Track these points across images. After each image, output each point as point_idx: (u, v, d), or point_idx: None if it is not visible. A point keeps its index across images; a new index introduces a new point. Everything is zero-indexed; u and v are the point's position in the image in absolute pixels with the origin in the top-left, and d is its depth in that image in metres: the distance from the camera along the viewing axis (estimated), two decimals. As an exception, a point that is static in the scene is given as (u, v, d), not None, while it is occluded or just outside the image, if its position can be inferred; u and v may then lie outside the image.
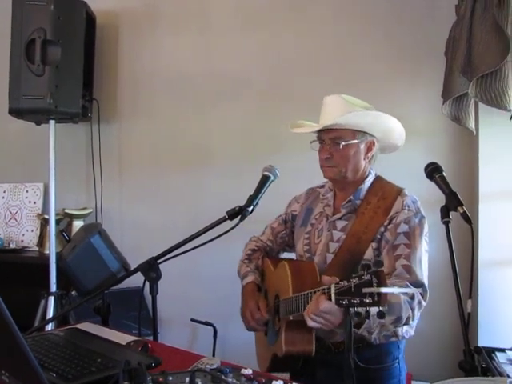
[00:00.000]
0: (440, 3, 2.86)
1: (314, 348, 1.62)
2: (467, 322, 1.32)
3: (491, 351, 2.43)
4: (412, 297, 1.57)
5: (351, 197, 1.77)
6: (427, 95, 2.90)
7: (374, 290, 1.20)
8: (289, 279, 1.67)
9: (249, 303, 1.84)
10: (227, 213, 1.70)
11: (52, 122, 2.92)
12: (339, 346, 1.70)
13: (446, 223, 1.43)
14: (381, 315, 1.23)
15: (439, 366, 2.77)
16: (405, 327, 1.71)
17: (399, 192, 1.75)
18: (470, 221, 1.39)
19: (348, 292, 1.26)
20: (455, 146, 2.91)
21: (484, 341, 2.60)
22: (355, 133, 1.72)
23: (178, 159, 3.28)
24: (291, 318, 1.62)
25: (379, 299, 1.20)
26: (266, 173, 1.81)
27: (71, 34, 2.84)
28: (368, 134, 1.75)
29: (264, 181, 1.78)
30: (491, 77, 2.20)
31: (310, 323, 1.43)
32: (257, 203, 1.74)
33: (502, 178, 2.70)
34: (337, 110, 1.71)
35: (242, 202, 1.73)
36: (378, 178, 1.83)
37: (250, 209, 1.71)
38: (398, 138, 1.83)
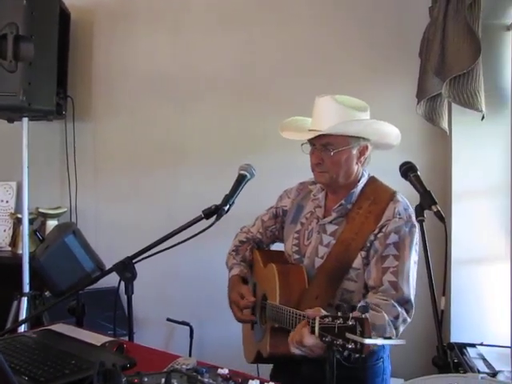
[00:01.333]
0: (414, 5, 2.91)
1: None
2: (441, 319, 1.34)
3: (463, 347, 2.48)
4: (397, 316, 1.55)
5: (342, 201, 1.73)
6: (402, 95, 2.94)
7: (357, 338, 1.18)
8: (276, 286, 1.65)
9: (231, 295, 1.82)
10: (203, 212, 1.70)
11: (25, 119, 2.87)
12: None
13: (421, 222, 1.44)
14: (363, 360, 1.23)
15: (413, 362, 2.81)
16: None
17: (391, 197, 1.70)
18: (444, 219, 1.41)
19: (331, 330, 1.24)
20: (429, 146, 2.96)
21: (456, 337, 2.65)
22: (348, 139, 1.66)
23: (153, 158, 3.26)
24: (276, 326, 1.63)
25: (361, 348, 1.18)
26: (243, 172, 1.80)
27: (44, 30, 2.78)
28: (362, 138, 1.70)
29: (240, 180, 1.77)
30: (464, 78, 2.24)
31: (294, 351, 1.42)
32: (233, 202, 1.74)
33: (474, 177, 2.76)
34: (329, 115, 1.66)
35: (218, 201, 1.73)
36: (371, 180, 1.79)
37: (226, 208, 1.70)
38: (393, 140, 1.79)
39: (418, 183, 1.52)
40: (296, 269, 1.74)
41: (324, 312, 1.36)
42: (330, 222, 1.75)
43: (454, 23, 2.28)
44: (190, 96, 3.20)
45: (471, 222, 2.74)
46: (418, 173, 1.54)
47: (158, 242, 1.68)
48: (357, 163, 1.73)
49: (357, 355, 1.19)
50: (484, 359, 2.35)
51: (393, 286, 1.59)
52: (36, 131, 3.08)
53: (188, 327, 3.01)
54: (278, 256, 1.92)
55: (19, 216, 3.08)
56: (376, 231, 1.65)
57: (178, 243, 1.64)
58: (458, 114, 2.72)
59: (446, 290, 1.45)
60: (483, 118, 2.34)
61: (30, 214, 2.95)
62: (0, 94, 2.67)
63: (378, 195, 1.72)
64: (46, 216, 3.23)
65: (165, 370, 1.26)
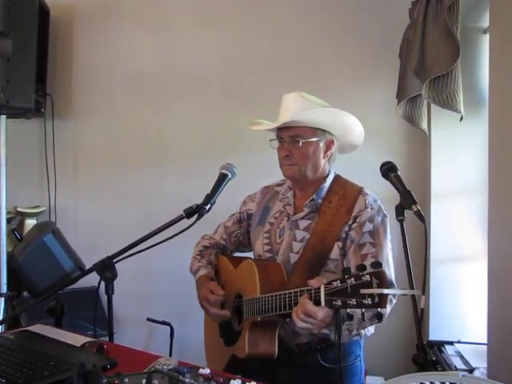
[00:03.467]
0: (395, 6, 2.94)
1: (276, 350, 1.61)
2: (420, 318, 1.36)
3: (441, 344, 2.52)
4: None
5: (314, 196, 1.75)
6: (383, 95, 2.97)
7: (375, 291, 1.17)
8: (256, 279, 1.64)
9: (201, 292, 1.79)
10: (184, 211, 1.69)
11: (3, 117, 2.82)
12: (303, 348, 1.71)
13: (401, 221, 1.46)
14: (379, 317, 1.21)
15: (393, 360, 2.84)
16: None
17: (360, 191, 1.75)
18: (424, 219, 1.43)
19: (342, 293, 1.23)
20: (409, 146, 2.99)
21: (434, 335, 2.70)
22: (315, 131, 1.71)
23: (134, 157, 3.24)
24: (259, 319, 1.60)
25: (380, 301, 1.18)
26: (224, 171, 1.79)
27: (23, 26, 2.74)
28: (327, 132, 1.74)
29: (221, 179, 1.77)
30: (443, 79, 2.27)
31: (300, 324, 1.40)
32: (214, 201, 1.73)
33: (452, 176, 2.80)
34: (296, 108, 1.69)
35: (200, 201, 1.72)
36: (337, 177, 1.82)
37: (207, 207, 1.70)
38: (358, 137, 1.82)
39: (398, 183, 1.53)
40: (273, 264, 1.75)
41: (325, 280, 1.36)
42: (303, 218, 1.77)
43: (434, 25, 2.32)
44: (171, 95, 3.19)
45: (449, 222, 2.78)
46: (399, 173, 1.56)
47: (139, 242, 1.67)
48: (324, 157, 1.76)
49: (377, 310, 1.19)
50: (461, 356, 2.40)
51: None
52: (14, 129, 3.04)
53: (168, 327, 3.00)
54: (245, 258, 1.89)
55: (-4, 215, 3.03)
56: (350, 222, 1.69)
57: (160, 242, 1.63)
58: (437, 115, 2.76)
59: (425, 288, 1.47)
60: (462, 118, 2.37)
61: (8, 213, 2.90)
62: (-23, 91, 2.62)
63: (346, 190, 1.77)
64: (24, 215, 3.18)
65: (146, 370, 1.26)
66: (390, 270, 1.66)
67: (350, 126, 1.76)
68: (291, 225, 1.78)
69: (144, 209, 3.17)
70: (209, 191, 1.76)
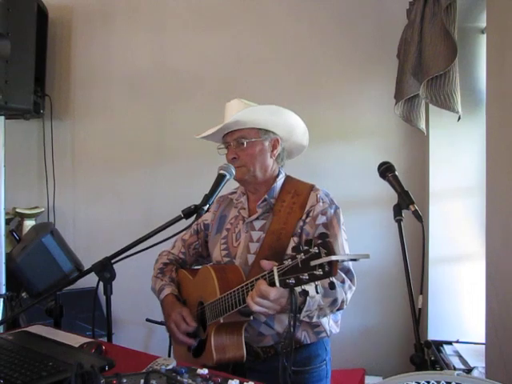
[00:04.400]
0: (392, 6, 2.94)
1: (244, 352, 1.60)
2: (418, 317, 1.36)
3: (439, 344, 2.53)
4: (343, 281, 1.60)
5: (265, 196, 1.78)
6: (381, 96, 2.97)
7: (324, 259, 1.17)
8: (214, 281, 1.64)
9: (171, 315, 1.75)
10: (183, 212, 1.68)
11: (2, 118, 2.83)
12: (269, 351, 1.70)
13: (399, 221, 1.46)
14: (332, 286, 1.20)
15: (392, 360, 2.84)
16: (331, 322, 1.74)
17: (311, 187, 1.78)
18: (421, 219, 1.43)
19: (294, 270, 1.24)
20: (407, 146, 3.00)
21: (433, 334, 2.70)
22: (258, 131, 1.75)
23: (132, 157, 3.24)
24: (222, 321, 1.58)
25: (331, 269, 1.18)
26: (222, 171, 1.78)
27: (22, 28, 2.75)
28: (271, 132, 1.77)
29: (220, 179, 1.75)
30: (440, 79, 2.28)
31: (255, 308, 1.40)
32: (212, 202, 1.73)
33: (450, 177, 2.80)
34: (236, 112, 1.73)
35: (198, 201, 1.72)
36: (288, 178, 1.85)
37: (205, 207, 1.68)
38: (302, 137, 1.85)
39: (396, 183, 1.54)
40: (231, 266, 1.76)
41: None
42: (257, 218, 1.79)
43: (431, 25, 2.32)
44: (168, 96, 3.19)
45: (448, 222, 2.78)
46: (396, 173, 1.57)
47: (137, 242, 1.67)
48: (271, 157, 1.79)
49: (327, 280, 1.19)
50: (460, 356, 2.40)
51: None
52: (13, 130, 3.04)
53: (167, 327, 3.00)
54: (210, 264, 1.88)
55: (-5, 216, 3.03)
56: (304, 217, 1.71)
57: (158, 243, 1.63)
58: (435, 115, 2.77)
59: (423, 288, 1.47)
60: (459, 118, 2.38)
61: (6, 213, 2.91)
62: (-25, 92, 2.63)
63: (298, 188, 1.79)
64: (23, 216, 3.18)
65: (144, 370, 1.26)
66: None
67: (291, 123, 1.79)
68: (247, 226, 1.80)
69: (142, 209, 3.17)
70: (207, 191, 1.76)
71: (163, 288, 1.86)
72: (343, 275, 1.60)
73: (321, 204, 1.71)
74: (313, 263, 1.20)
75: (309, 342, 1.71)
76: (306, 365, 1.73)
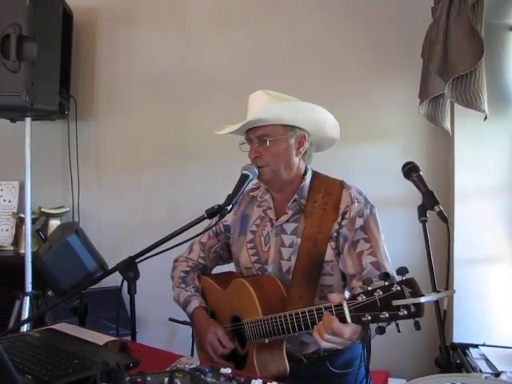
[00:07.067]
0: (416, 5, 2.91)
1: (287, 366, 1.55)
2: (443, 320, 1.34)
3: (465, 347, 2.48)
4: None
5: (295, 196, 1.68)
6: (405, 95, 2.94)
7: (410, 301, 1.10)
8: (254, 298, 1.55)
9: (207, 336, 1.68)
10: (206, 211, 1.68)
11: (28, 119, 2.87)
12: (311, 357, 1.66)
13: (423, 222, 1.44)
14: (418, 327, 1.12)
15: (416, 363, 2.81)
16: None
17: (342, 185, 1.69)
18: (447, 219, 1.41)
19: (370, 307, 1.15)
20: (432, 146, 2.96)
21: (459, 337, 2.65)
22: (283, 128, 1.64)
23: (155, 157, 3.26)
24: (267, 341, 1.51)
25: (418, 310, 1.11)
26: (245, 172, 1.75)
27: (47, 30, 2.79)
28: (297, 127, 1.66)
29: (243, 179, 1.73)
30: (466, 78, 2.24)
31: (324, 344, 1.29)
32: (236, 202, 1.72)
33: (477, 177, 2.75)
34: (260, 106, 1.62)
35: (221, 201, 1.72)
36: (315, 174, 1.75)
37: (228, 207, 1.66)
38: (332, 130, 1.73)
39: (420, 183, 1.51)
40: (267, 278, 1.66)
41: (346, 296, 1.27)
42: (287, 221, 1.70)
43: (457, 23, 2.28)
44: (191, 96, 3.21)
45: (474, 222, 2.74)
46: (421, 173, 1.54)
47: (161, 242, 1.68)
48: (297, 155, 1.69)
49: (416, 319, 1.12)
50: (486, 360, 2.35)
51: (375, 267, 1.56)
52: (39, 131, 3.08)
53: (190, 327, 3.00)
54: (230, 275, 1.83)
55: (22, 216, 3.08)
56: (339, 219, 1.62)
57: (181, 243, 1.64)
58: (460, 115, 2.72)
59: (448, 290, 1.45)
60: (486, 118, 2.33)
61: (32, 213, 2.96)
62: (3, 94, 2.68)
63: (327, 186, 1.69)
64: (48, 215, 3.23)
65: (168, 369, 1.27)
66: (389, 262, 1.60)
67: (320, 118, 1.68)
68: (276, 230, 1.72)
69: (166, 209, 3.19)
70: (230, 191, 1.76)
71: (190, 300, 1.79)
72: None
73: (356, 204, 1.63)
74: (395, 303, 1.12)
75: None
76: (349, 367, 1.68)
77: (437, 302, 1.34)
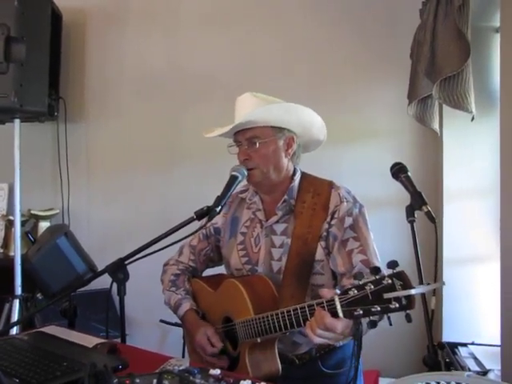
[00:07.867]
0: (405, 6, 2.93)
1: (280, 367, 1.55)
2: (431, 319, 1.35)
3: (454, 346, 2.50)
4: None
5: (285, 196, 1.69)
6: (394, 96, 2.96)
7: (401, 293, 1.10)
8: (246, 298, 1.56)
9: (196, 336, 1.68)
10: (195, 213, 1.68)
11: (17, 121, 2.86)
12: (303, 358, 1.66)
13: (411, 222, 1.45)
14: (410, 319, 1.12)
15: (406, 362, 2.83)
16: None
17: (331, 185, 1.70)
18: (434, 220, 1.42)
19: (362, 301, 1.15)
20: (420, 147, 2.98)
21: (448, 336, 2.68)
22: (271, 130, 1.65)
23: (146, 159, 3.26)
24: (259, 341, 1.51)
25: (409, 302, 1.11)
26: (234, 173, 1.74)
27: (36, 31, 2.78)
28: (286, 129, 1.68)
29: (232, 181, 1.72)
30: (453, 79, 2.26)
31: (317, 340, 1.29)
32: (225, 203, 1.73)
33: (464, 177, 2.78)
34: (249, 108, 1.64)
35: (210, 202, 1.72)
36: (303, 175, 1.76)
37: (217, 209, 1.66)
38: (319, 132, 1.75)
39: (408, 184, 1.52)
40: (257, 278, 1.67)
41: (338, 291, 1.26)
42: (277, 222, 1.71)
43: (444, 25, 2.30)
44: (183, 97, 3.20)
45: (462, 222, 2.76)
46: (409, 174, 1.55)
47: (151, 243, 1.67)
48: (285, 156, 1.70)
49: (407, 311, 1.12)
50: (475, 358, 2.38)
51: (365, 265, 1.57)
52: (28, 133, 3.07)
53: (181, 329, 3.00)
54: (221, 277, 1.82)
55: (11, 218, 3.07)
56: (328, 219, 1.63)
57: (171, 244, 1.63)
58: (448, 115, 2.75)
59: (436, 289, 1.46)
60: (473, 118, 2.36)
61: (21, 215, 2.94)
62: (-9, 96, 2.66)
63: (316, 187, 1.70)
64: (38, 218, 3.21)
65: (157, 371, 1.27)
66: (379, 260, 1.61)
67: (307, 120, 1.70)
68: (266, 231, 1.72)
69: (156, 211, 3.18)
70: (219, 193, 1.76)
71: (180, 303, 1.80)
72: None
73: (345, 203, 1.64)
74: (386, 296, 1.12)
75: (341, 344, 1.67)
76: (341, 367, 1.69)
77: (424, 303, 1.35)
